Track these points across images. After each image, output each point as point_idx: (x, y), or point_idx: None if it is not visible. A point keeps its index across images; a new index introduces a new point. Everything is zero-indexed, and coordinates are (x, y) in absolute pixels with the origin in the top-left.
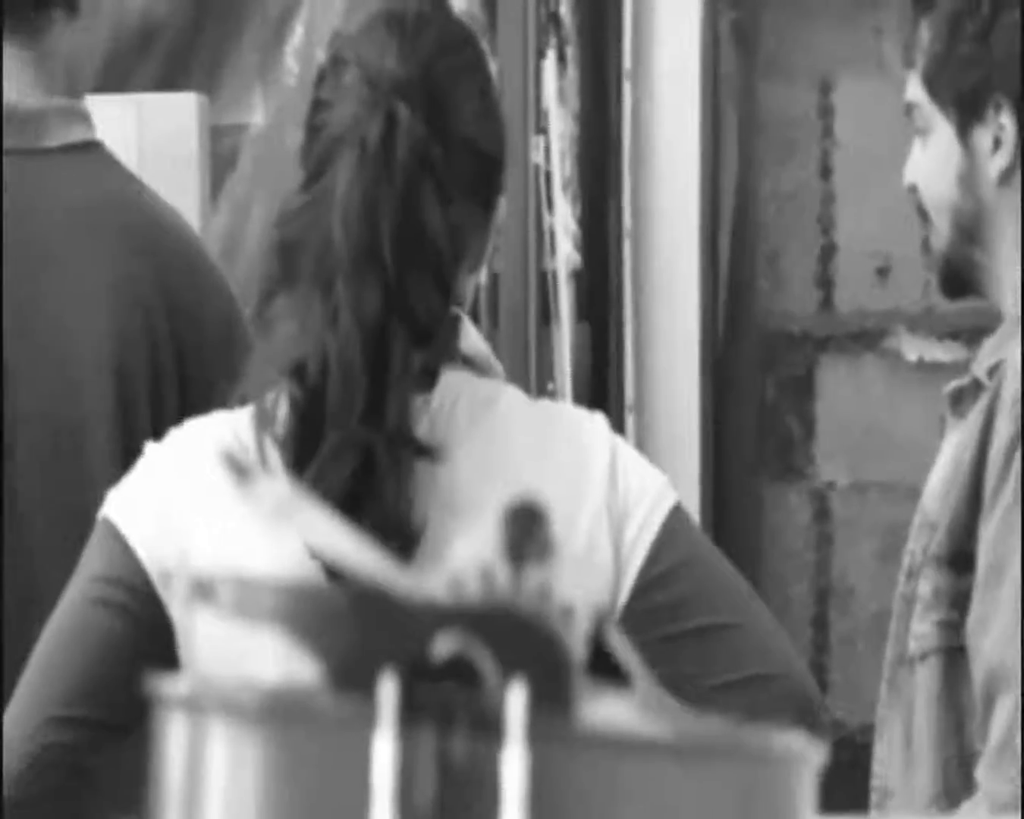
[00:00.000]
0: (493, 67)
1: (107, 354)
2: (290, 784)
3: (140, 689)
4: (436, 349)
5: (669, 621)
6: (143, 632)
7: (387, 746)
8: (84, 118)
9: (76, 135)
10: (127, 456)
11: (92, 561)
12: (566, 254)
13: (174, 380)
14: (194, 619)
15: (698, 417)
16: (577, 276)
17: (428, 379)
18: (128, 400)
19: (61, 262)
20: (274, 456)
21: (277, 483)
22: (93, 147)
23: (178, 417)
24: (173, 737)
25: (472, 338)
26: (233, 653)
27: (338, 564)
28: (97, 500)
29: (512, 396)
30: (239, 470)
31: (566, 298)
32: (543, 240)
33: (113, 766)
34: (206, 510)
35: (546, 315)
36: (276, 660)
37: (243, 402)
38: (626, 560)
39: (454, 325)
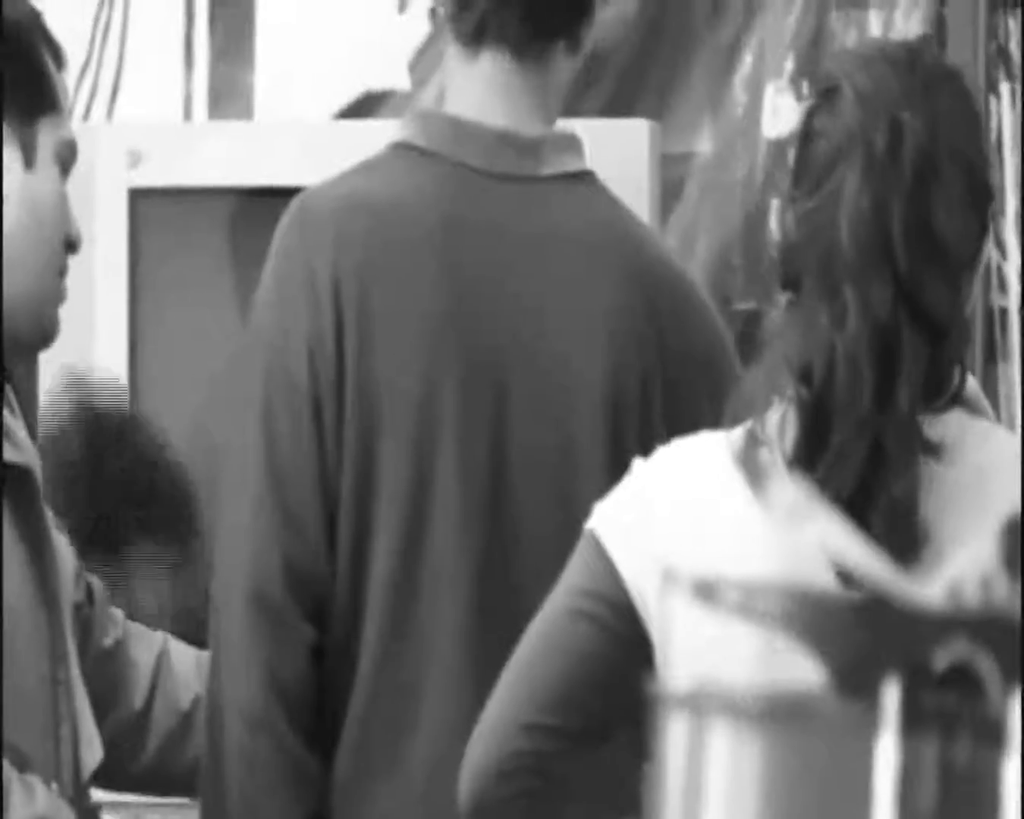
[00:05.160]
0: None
1: (601, 383)
2: (791, 785)
3: (613, 702)
4: (947, 349)
5: None
6: (620, 647)
7: (890, 750)
8: (577, 147)
9: (571, 164)
10: (616, 469)
11: (575, 573)
12: (1016, 291)
13: (662, 411)
14: (673, 633)
15: None
16: None
17: (936, 385)
18: (618, 430)
19: (560, 289)
20: (773, 467)
21: (790, 487)
22: (586, 176)
23: (666, 440)
24: (673, 736)
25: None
26: (710, 667)
27: (846, 568)
28: (588, 509)
29: (1002, 434)
30: (754, 474)
31: (1015, 336)
32: (990, 276)
33: (589, 773)
34: (693, 525)
35: (991, 352)
36: (753, 675)
37: (734, 422)
38: None
39: (965, 331)
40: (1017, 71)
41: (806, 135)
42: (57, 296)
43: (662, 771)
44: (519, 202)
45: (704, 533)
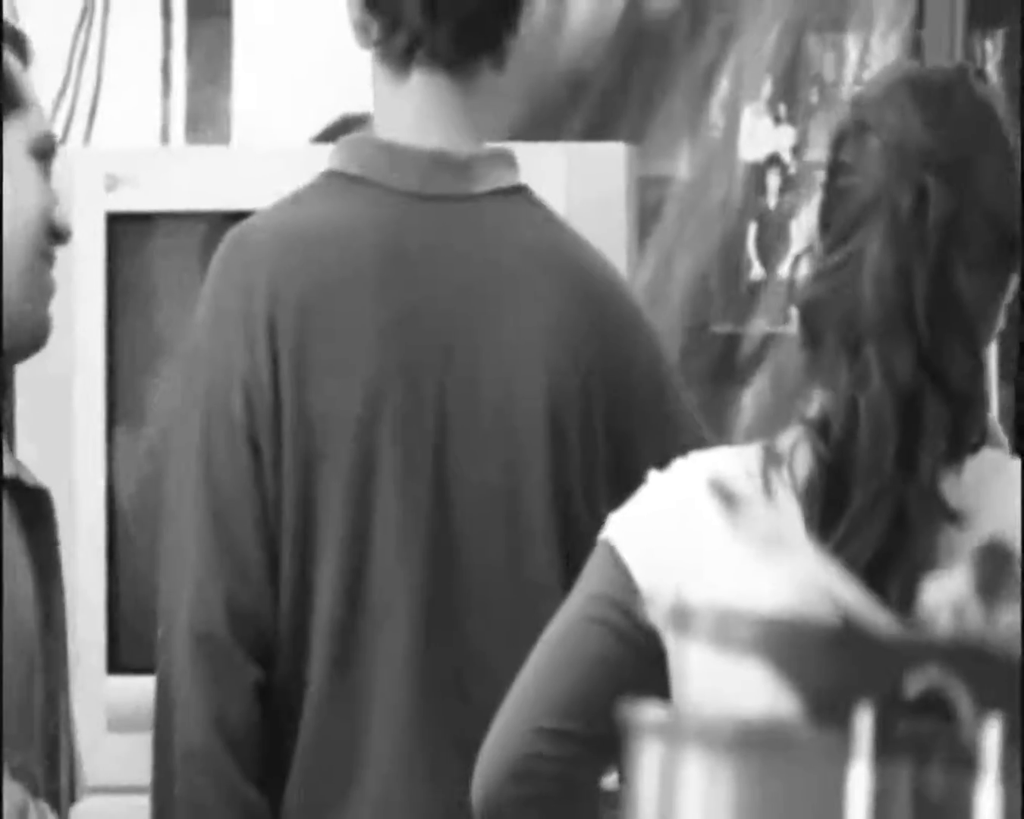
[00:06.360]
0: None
1: (542, 403)
2: (765, 813)
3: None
4: (969, 415)
5: None
6: (637, 655)
7: (863, 778)
8: (511, 163)
9: (504, 180)
10: (558, 498)
11: (591, 580)
12: None
13: (604, 428)
14: (686, 646)
15: None
16: (1001, 336)
17: (958, 446)
18: (560, 451)
19: (499, 309)
20: (784, 495)
21: (768, 514)
22: (520, 192)
23: (608, 465)
24: (647, 763)
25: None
26: (723, 683)
27: (823, 597)
28: (531, 541)
29: (1016, 467)
30: (727, 498)
31: (992, 359)
32: None
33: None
34: (704, 540)
35: None
36: (766, 692)
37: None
38: None
39: (985, 395)
40: (996, 93)
41: (832, 170)
42: (46, 289)
43: (636, 799)
44: (455, 223)
45: (703, 555)
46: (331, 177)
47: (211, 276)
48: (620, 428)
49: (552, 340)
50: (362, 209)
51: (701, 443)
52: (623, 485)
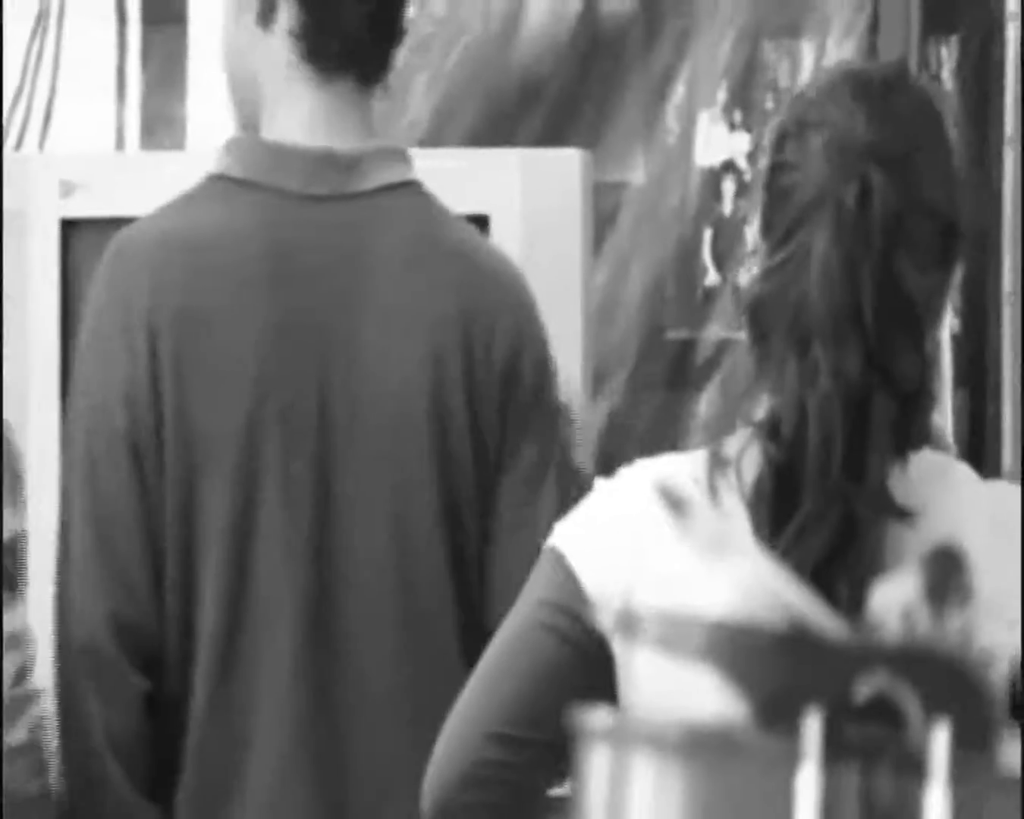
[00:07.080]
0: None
1: (425, 396)
2: (714, 817)
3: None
4: (916, 411)
5: None
6: (585, 661)
7: (811, 782)
8: (402, 158)
9: (394, 175)
10: (444, 497)
11: (538, 586)
12: (947, 320)
13: (493, 422)
14: (633, 651)
15: None
16: (956, 341)
17: (905, 443)
18: (445, 442)
19: (383, 309)
20: (731, 500)
21: (714, 519)
22: (411, 186)
23: (497, 459)
24: (596, 768)
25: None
26: (672, 687)
27: (771, 602)
28: (416, 542)
29: (963, 471)
30: (675, 504)
31: (947, 363)
32: None
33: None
34: (651, 546)
35: None
36: (715, 696)
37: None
38: None
39: (931, 391)
40: (951, 100)
41: (774, 169)
42: None
43: (585, 803)
44: (339, 222)
45: (651, 561)
46: (216, 180)
47: (93, 286)
48: (509, 418)
49: (437, 337)
50: (246, 213)
51: (570, 452)
52: (509, 480)
